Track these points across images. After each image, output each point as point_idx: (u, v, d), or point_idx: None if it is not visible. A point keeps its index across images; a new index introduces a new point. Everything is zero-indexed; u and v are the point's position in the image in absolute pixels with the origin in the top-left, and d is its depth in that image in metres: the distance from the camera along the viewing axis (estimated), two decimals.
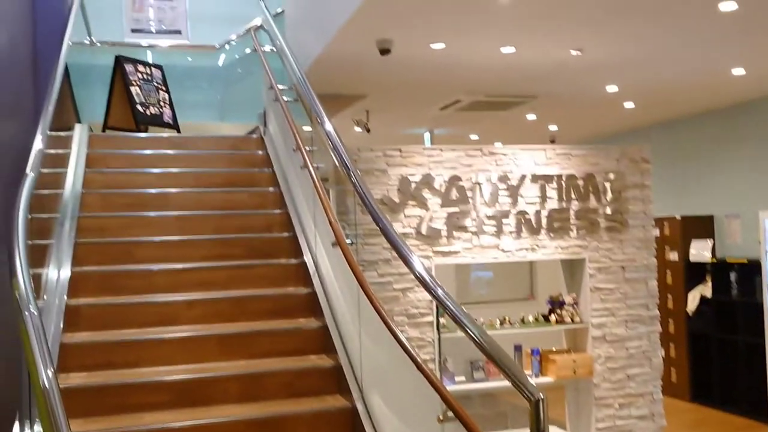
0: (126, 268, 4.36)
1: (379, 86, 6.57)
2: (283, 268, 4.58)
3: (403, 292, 5.70)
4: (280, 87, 5.36)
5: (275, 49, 5.78)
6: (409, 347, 3.04)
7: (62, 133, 5.32)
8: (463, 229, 6.07)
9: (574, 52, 5.63)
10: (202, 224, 4.90)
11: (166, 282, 4.33)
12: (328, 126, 3.95)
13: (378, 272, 5.67)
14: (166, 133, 6.17)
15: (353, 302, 3.75)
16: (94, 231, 4.69)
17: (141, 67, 6.76)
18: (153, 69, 6.89)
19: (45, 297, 3.78)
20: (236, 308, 4.20)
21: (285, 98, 5.16)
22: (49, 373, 1.99)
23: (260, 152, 5.91)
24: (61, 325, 3.70)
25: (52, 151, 4.56)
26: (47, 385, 1.95)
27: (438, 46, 5.42)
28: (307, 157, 4.38)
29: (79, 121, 6.08)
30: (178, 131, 6.82)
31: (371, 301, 3.28)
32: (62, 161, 4.93)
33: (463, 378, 6.24)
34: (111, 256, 4.47)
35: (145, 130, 6.87)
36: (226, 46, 7.49)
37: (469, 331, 2.46)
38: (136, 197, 5.07)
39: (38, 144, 3.41)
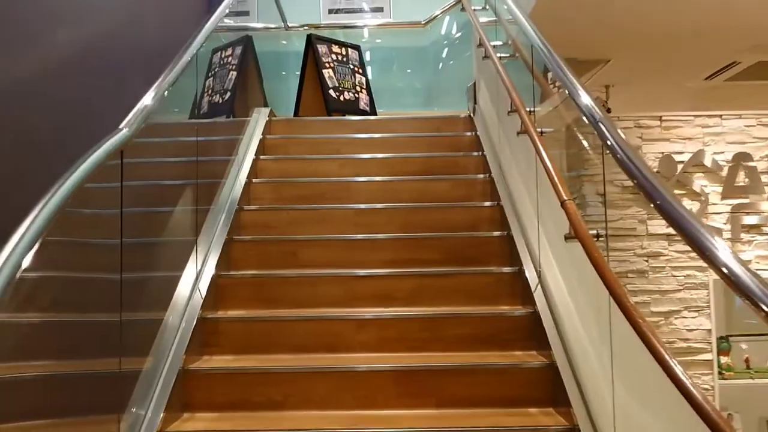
0: (284, 273, 3.32)
1: (626, 45, 4.97)
2: (492, 278, 3.26)
3: (667, 316, 4.06)
4: (494, 44, 4.07)
5: (488, 7, 4.53)
6: (716, 418, 1.56)
7: (237, 119, 4.52)
8: (756, 228, 4.25)
9: None
10: (387, 220, 3.75)
11: (334, 293, 3.22)
12: (585, 98, 2.48)
13: (628, 288, 4.10)
14: (357, 117, 5.15)
15: (598, 328, 2.34)
16: (255, 227, 3.75)
17: (335, 48, 5.87)
18: (349, 49, 5.97)
19: (171, 308, 2.83)
20: (425, 332, 2.96)
21: (498, 55, 3.86)
22: None
23: (468, 134, 4.67)
24: (186, 345, 2.71)
25: (212, 138, 3.72)
26: None
27: None
28: (525, 117, 3.02)
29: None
30: None
31: (637, 328, 1.84)
32: (227, 149, 4.06)
33: None
34: (269, 258, 3.48)
35: None
36: (431, 24, 6.39)
37: None
38: (312, 188, 4.06)
39: (146, 100, 2.48)
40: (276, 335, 2.96)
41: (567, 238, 2.36)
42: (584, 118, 2.39)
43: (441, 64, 6.49)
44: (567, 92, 2.57)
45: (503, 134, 3.95)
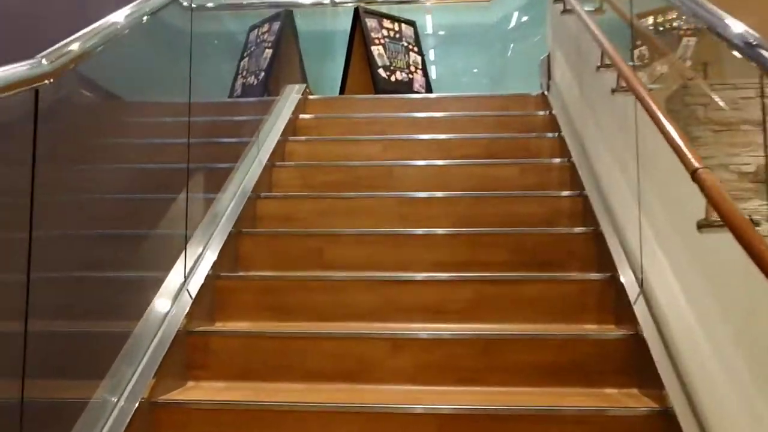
0: (303, 275, 2.58)
1: None
2: (575, 287, 2.44)
3: None
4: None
5: None
6: None
7: (265, 98, 3.84)
8: None
9: None
10: (439, 212, 2.99)
11: (366, 303, 2.46)
12: (736, 26, 1.62)
13: None
14: (408, 95, 4.38)
15: (751, 362, 1.52)
16: (272, 219, 3.04)
17: (387, 23, 5.14)
18: (402, 25, 5.23)
19: (145, 318, 2.12)
20: (482, 359, 2.17)
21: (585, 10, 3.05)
22: None
23: (541, 112, 3.85)
24: (157, 366, 2.00)
25: (217, 118, 3.05)
26: None
27: None
28: (625, 68, 2.20)
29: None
30: None
31: None
32: (242, 129, 3.36)
33: None
34: (286, 256, 2.75)
35: None
36: None
37: None
38: (346, 173, 3.32)
39: (112, 18, 1.80)
40: (284, 357, 2.22)
41: (701, 225, 1.54)
42: (737, 53, 1.56)
43: (508, 44, 5.68)
44: (706, 26, 1.75)
45: (588, 106, 3.13)
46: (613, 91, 2.22)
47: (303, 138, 3.70)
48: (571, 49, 3.46)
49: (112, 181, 1.99)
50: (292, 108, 3.95)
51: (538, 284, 2.43)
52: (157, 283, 2.24)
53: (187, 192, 2.43)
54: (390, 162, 3.34)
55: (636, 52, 2.49)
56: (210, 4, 3.27)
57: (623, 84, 2.08)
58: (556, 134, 3.52)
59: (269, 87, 4.19)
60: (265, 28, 4.83)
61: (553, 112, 3.73)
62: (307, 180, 3.33)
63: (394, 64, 4.98)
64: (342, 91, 4.94)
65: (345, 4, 5.64)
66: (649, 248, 2.21)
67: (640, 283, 2.25)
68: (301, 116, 3.94)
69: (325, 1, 5.55)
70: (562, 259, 2.65)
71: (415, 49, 5.21)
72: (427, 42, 5.69)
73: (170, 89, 2.43)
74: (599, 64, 2.45)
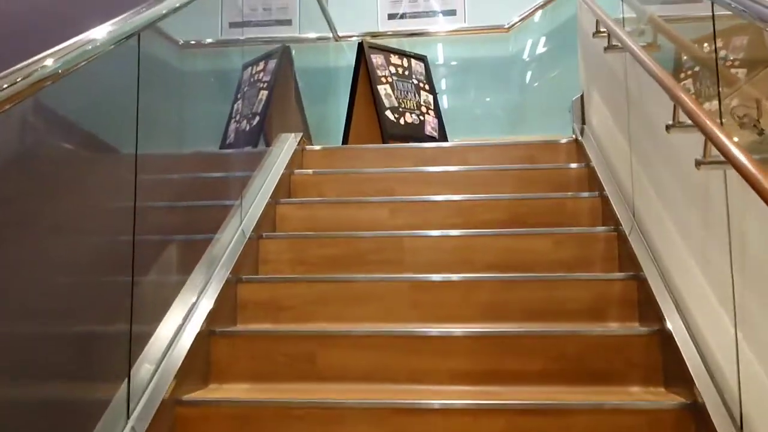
0: (287, 400, 2.01)
1: None
2: (643, 418, 1.85)
3: None
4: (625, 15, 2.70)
5: None
6: None
7: (243, 150, 3.31)
8: None
9: None
10: (459, 300, 2.43)
11: None
12: None
13: None
14: (420, 144, 3.83)
15: None
16: (257, 308, 2.49)
17: (395, 59, 4.62)
18: (412, 61, 4.71)
19: None
20: None
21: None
22: None
23: (574, 165, 3.29)
24: None
25: (181, 176, 2.53)
26: None
27: None
28: (717, 136, 1.63)
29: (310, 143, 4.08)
30: None
31: None
32: (218, 191, 2.82)
33: None
34: (271, 364, 2.19)
35: None
36: (516, 28, 5.07)
37: None
38: (348, 245, 2.77)
39: None
40: None
41: None
42: None
43: (530, 79, 5.14)
44: None
45: (644, 165, 2.57)
46: (699, 164, 1.66)
47: (297, 200, 3.16)
48: (615, 91, 2.91)
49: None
50: (286, 161, 3.42)
51: (593, 414, 1.85)
52: (91, 420, 1.68)
53: (133, 281, 1.87)
54: (400, 232, 2.79)
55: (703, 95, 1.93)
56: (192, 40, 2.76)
57: (715, 154, 1.52)
58: (598, 193, 2.96)
59: (265, 132, 3.68)
60: (260, 66, 4.32)
61: (591, 164, 3.17)
62: (301, 253, 2.78)
63: (403, 105, 4.45)
64: (345, 136, 4.41)
65: (348, 39, 5.14)
66: (752, 371, 1.63)
67: (740, 424, 1.66)
68: (297, 172, 3.41)
69: (327, 35, 5.05)
70: (619, 370, 2.08)
71: (427, 87, 4.68)
72: (439, 72, 5.17)
73: (121, 137, 1.90)
74: (670, 122, 1.89)
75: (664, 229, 2.28)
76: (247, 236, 2.73)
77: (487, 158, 3.52)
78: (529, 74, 5.12)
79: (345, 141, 4.45)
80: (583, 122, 3.56)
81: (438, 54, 5.19)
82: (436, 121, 4.56)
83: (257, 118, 3.87)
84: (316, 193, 3.31)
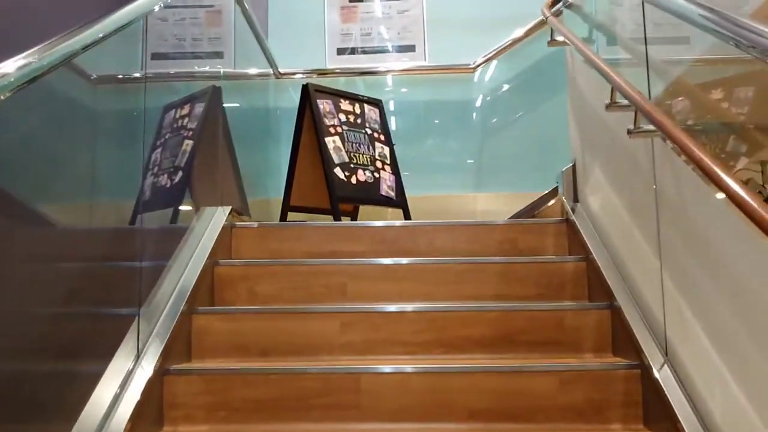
0: None
1: None
2: None
3: None
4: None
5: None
6: None
7: (165, 228, 2.60)
8: None
9: None
10: None
11: None
12: None
13: None
14: (376, 222, 3.12)
15: None
16: None
17: (345, 104, 3.94)
18: (365, 106, 4.04)
19: None
20: None
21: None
22: None
23: (571, 258, 2.66)
24: None
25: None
26: None
27: None
28: None
29: (243, 213, 3.34)
30: (406, 212, 3.83)
31: None
32: (129, 294, 2.08)
33: None
34: None
35: (352, 213, 4.02)
36: (482, 67, 4.47)
37: None
38: (286, 384, 2.06)
39: None
40: None
41: None
42: None
43: (498, 124, 4.52)
44: None
45: (680, 286, 1.95)
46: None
47: (221, 309, 2.43)
48: (631, 178, 2.29)
49: None
50: (210, 246, 2.68)
51: None
52: None
53: None
54: (355, 367, 2.09)
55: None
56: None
57: None
58: (606, 304, 2.33)
59: (191, 191, 2.99)
60: (185, 110, 3.58)
61: (592, 257, 2.54)
62: (221, 396, 2.06)
63: (355, 161, 3.77)
64: (286, 199, 3.69)
65: (292, 76, 4.44)
66: None
67: None
68: (223, 262, 2.69)
69: (267, 71, 4.35)
70: None
71: (382, 137, 4.01)
72: (396, 115, 4.53)
73: None
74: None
75: (722, 384, 1.65)
76: (148, 373, 2.00)
77: (460, 241, 2.87)
78: (495, 119, 4.51)
79: (286, 203, 3.74)
80: (575, 198, 2.95)
81: (394, 95, 4.53)
82: (393, 178, 3.90)
83: (180, 174, 3.14)
84: (245, 295, 2.59)
